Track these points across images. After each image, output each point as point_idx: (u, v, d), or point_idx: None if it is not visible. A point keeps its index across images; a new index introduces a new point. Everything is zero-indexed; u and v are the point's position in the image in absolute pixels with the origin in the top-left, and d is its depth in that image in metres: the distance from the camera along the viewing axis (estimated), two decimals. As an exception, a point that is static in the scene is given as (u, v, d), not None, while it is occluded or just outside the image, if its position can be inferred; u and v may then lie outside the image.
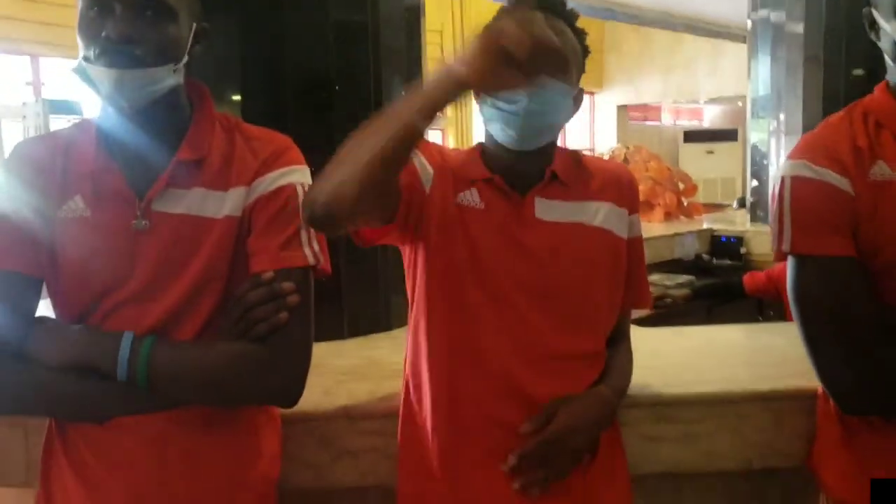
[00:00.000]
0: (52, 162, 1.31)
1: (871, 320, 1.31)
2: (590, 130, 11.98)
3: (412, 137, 1.16)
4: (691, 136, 12.58)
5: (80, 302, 1.30)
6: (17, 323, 1.27)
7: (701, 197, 10.14)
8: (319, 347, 1.99)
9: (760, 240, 4.57)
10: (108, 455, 1.29)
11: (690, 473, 1.65)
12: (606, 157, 6.04)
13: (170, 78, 1.28)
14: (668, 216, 5.41)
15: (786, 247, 1.36)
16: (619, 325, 1.53)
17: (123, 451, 1.28)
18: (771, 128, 4.64)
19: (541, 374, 1.39)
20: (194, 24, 1.31)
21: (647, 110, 12.99)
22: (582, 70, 1.46)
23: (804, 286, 1.36)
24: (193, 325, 1.29)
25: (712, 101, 12.34)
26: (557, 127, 1.44)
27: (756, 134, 4.90)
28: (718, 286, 3.91)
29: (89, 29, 1.24)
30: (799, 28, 4.30)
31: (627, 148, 6.15)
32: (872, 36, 1.39)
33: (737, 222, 5.27)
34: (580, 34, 1.45)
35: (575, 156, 1.53)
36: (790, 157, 1.40)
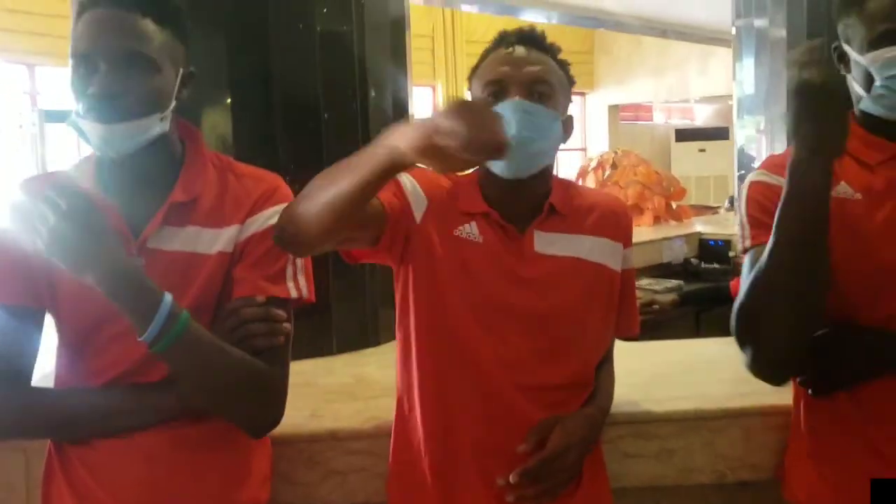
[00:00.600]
0: None
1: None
2: (582, 131, 12.00)
3: (368, 189, 1.19)
4: (683, 135, 12.59)
5: (80, 332, 1.36)
6: (20, 351, 1.34)
7: (693, 196, 10.19)
8: (307, 365, 2.07)
9: (748, 244, 4.60)
10: (105, 476, 1.34)
11: (668, 487, 1.72)
12: (595, 163, 6.09)
13: (157, 126, 1.32)
14: (657, 220, 5.47)
15: (747, 244, 1.43)
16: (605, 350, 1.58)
17: (118, 472, 1.33)
18: (758, 128, 4.69)
19: (531, 400, 1.42)
20: (181, 70, 1.36)
21: (639, 110, 13.01)
22: (568, 100, 1.51)
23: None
24: None
25: (704, 100, 12.36)
26: (549, 152, 1.46)
27: (743, 136, 4.95)
28: (706, 292, 3.96)
29: (77, 86, 1.29)
30: (782, 33, 4.34)
31: (616, 153, 6.19)
32: (842, 69, 1.45)
33: (725, 225, 5.31)
34: (563, 65, 1.50)
35: (573, 186, 1.57)
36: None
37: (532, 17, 7.34)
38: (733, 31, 5.01)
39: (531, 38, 1.47)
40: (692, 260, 4.95)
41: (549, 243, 1.47)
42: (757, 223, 1.42)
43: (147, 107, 1.30)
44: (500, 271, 1.44)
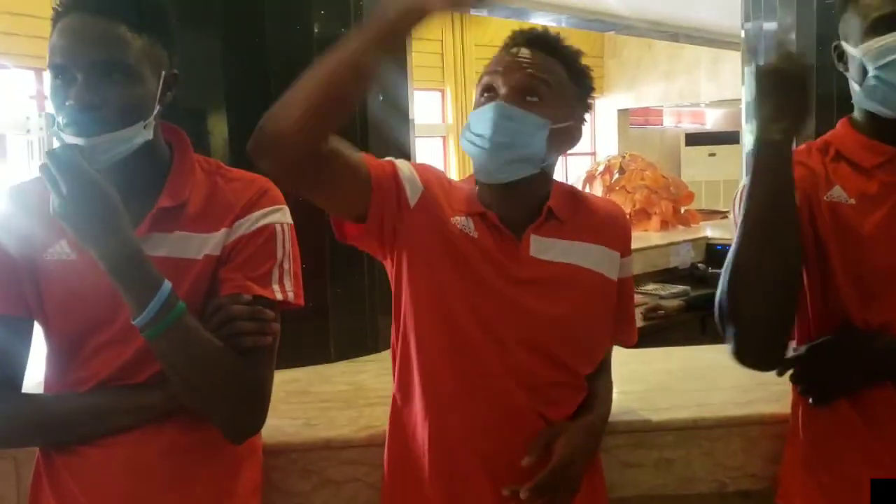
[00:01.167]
0: (41, 206, 1.33)
1: None
2: (591, 135, 11.97)
3: (366, 67, 1.21)
4: (693, 139, 12.57)
5: (68, 339, 1.35)
6: (9, 360, 1.34)
7: (703, 200, 10.15)
8: (305, 373, 2.05)
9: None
10: (91, 485, 1.32)
11: (667, 497, 1.69)
12: (602, 167, 6.06)
13: (140, 135, 1.30)
14: (665, 225, 5.42)
15: None
16: (602, 358, 1.55)
17: (104, 481, 1.32)
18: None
19: (531, 400, 1.41)
20: (163, 73, 1.33)
21: (649, 114, 12.97)
22: (578, 107, 1.47)
23: None
24: None
25: (714, 104, 12.32)
26: (531, 160, 1.40)
27: (752, 140, 4.92)
28: (712, 297, 3.92)
29: (56, 97, 1.26)
30: (791, 37, 4.31)
31: (623, 157, 6.15)
32: (841, 68, 1.45)
33: (733, 230, 5.27)
34: (577, 71, 1.45)
35: (572, 192, 1.54)
36: None
37: (541, 21, 7.32)
38: (742, 34, 4.98)
39: (538, 40, 1.43)
40: (699, 265, 4.90)
41: (544, 248, 1.45)
42: None
43: (128, 116, 1.27)
44: (493, 269, 1.42)
